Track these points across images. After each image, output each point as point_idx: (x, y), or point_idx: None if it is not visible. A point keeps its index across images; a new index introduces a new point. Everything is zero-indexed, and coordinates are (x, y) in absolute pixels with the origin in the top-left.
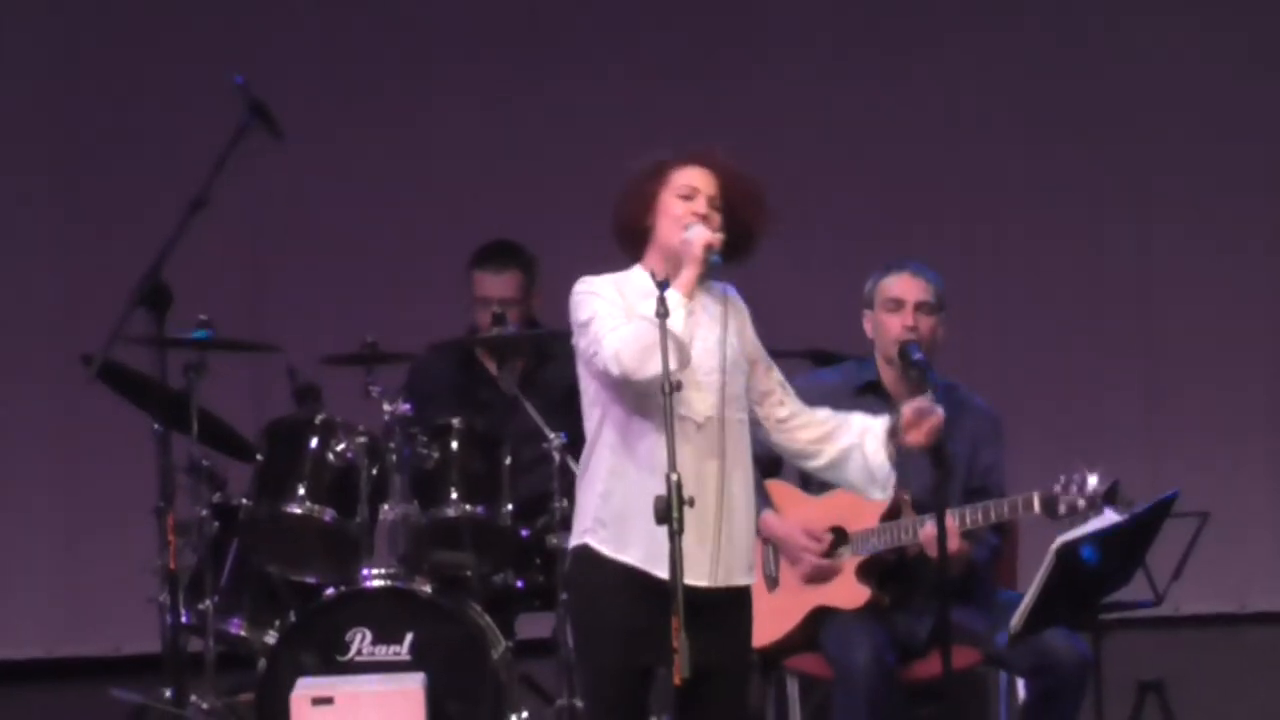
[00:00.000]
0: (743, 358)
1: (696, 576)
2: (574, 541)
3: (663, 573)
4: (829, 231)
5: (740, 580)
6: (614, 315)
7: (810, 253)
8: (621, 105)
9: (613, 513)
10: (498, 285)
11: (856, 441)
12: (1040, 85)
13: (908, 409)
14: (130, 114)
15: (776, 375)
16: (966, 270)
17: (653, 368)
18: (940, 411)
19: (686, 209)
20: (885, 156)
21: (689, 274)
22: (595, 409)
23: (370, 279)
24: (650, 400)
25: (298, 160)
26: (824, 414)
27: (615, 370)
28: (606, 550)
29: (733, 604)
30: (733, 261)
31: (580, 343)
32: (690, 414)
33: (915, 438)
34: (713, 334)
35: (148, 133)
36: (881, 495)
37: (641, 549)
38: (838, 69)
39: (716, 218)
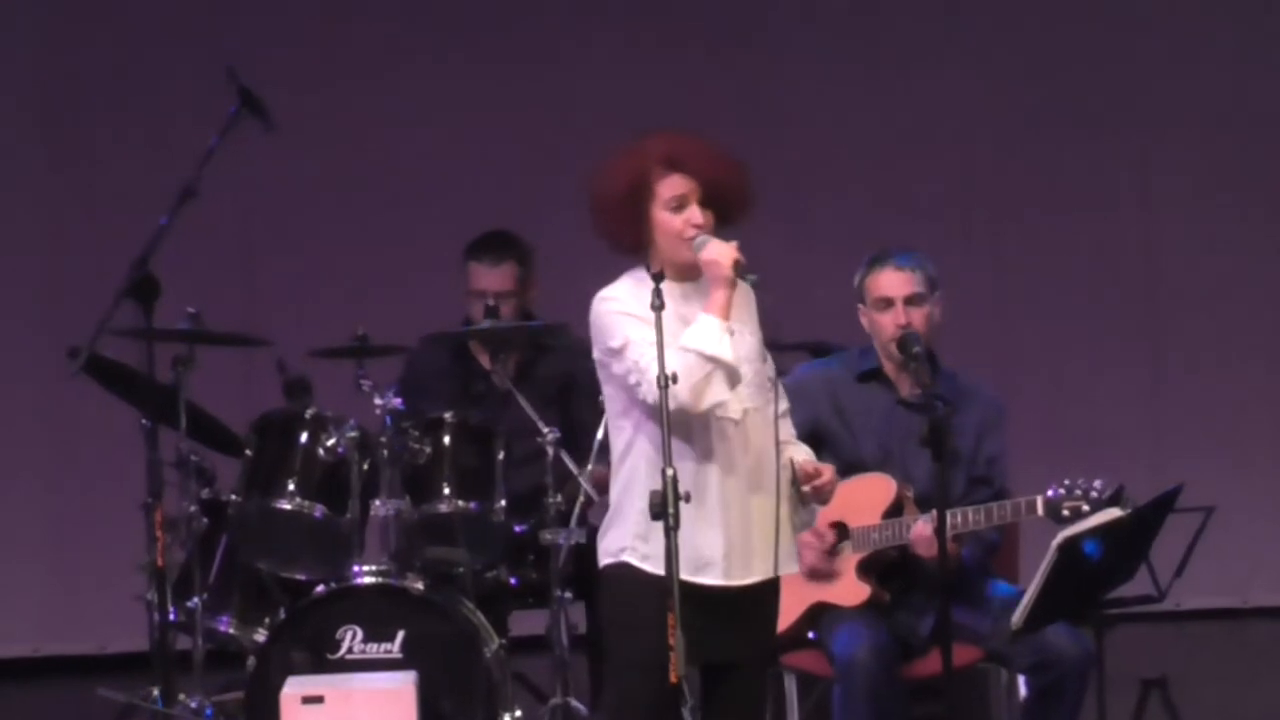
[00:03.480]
0: (763, 346)
1: (746, 574)
2: (607, 559)
3: (705, 579)
4: (829, 223)
5: (785, 569)
6: (652, 339)
7: (811, 244)
8: (619, 94)
9: (652, 527)
10: (493, 277)
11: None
12: (1043, 77)
13: (800, 469)
14: (119, 102)
15: (769, 369)
16: (970, 263)
17: (709, 400)
18: (830, 474)
19: (684, 222)
20: (887, 148)
21: (722, 296)
22: (625, 420)
23: (362, 270)
24: (686, 412)
25: (289, 150)
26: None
27: (673, 407)
28: (648, 568)
29: (771, 596)
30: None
31: (615, 367)
32: (727, 413)
33: (809, 495)
34: (741, 319)
35: (136, 121)
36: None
37: (688, 561)
38: (840, 59)
39: (710, 216)
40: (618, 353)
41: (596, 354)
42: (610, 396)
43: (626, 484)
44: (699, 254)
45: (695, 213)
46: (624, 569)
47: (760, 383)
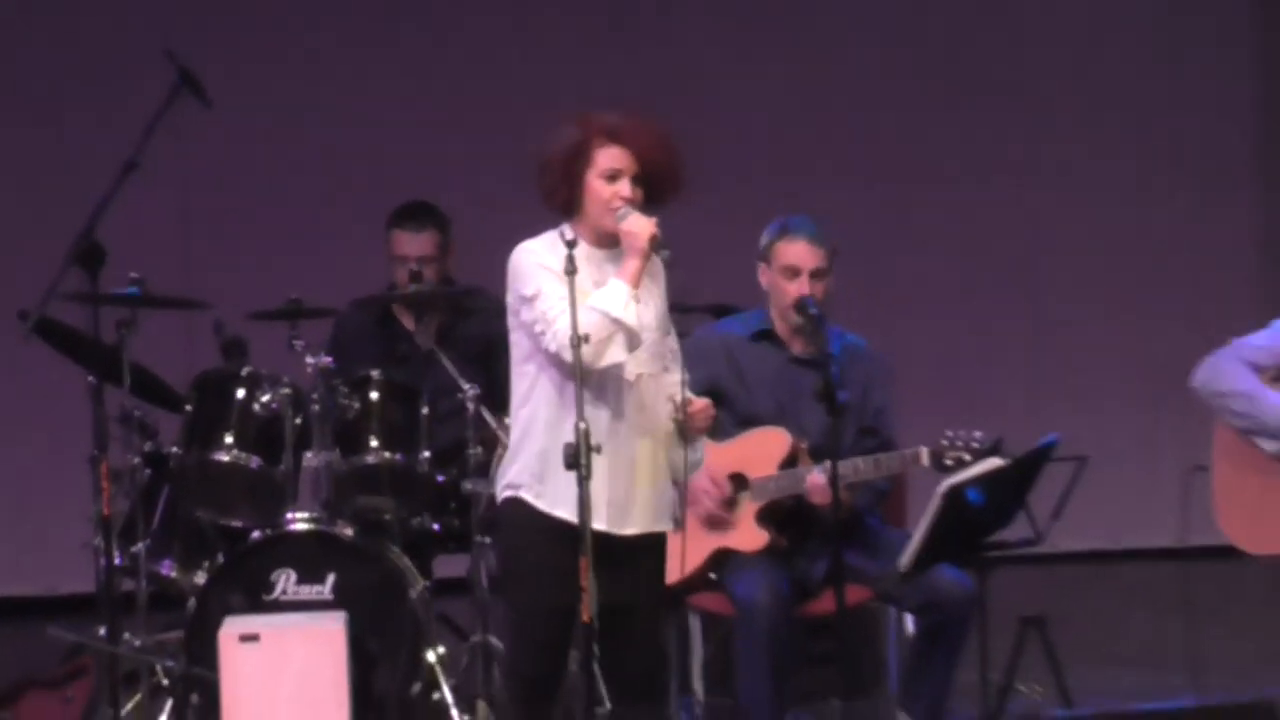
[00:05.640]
0: (666, 315)
1: (625, 525)
2: (505, 493)
3: (594, 524)
4: (734, 189)
5: (661, 526)
6: (562, 294)
7: (716, 209)
8: (538, 64)
9: (548, 468)
10: (415, 244)
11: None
12: (939, 50)
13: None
14: (64, 76)
15: (671, 342)
16: (860, 225)
17: (608, 359)
18: (705, 403)
19: (613, 193)
20: (786, 117)
21: (634, 265)
22: (529, 365)
23: (294, 239)
24: (585, 367)
25: (227, 125)
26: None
27: (569, 358)
28: (541, 505)
29: (652, 547)
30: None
31: (524, 314)
32: (623, 374)
33: (683, 422)
34: (648, 291)
35: (81, 95)
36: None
37: (573, 506)
38: (748, 29)
39: (639, 193)
40: (529, 300)
41: (510, 299)
42: (515, 342)
43: (527, 426)
44: (620, 224)
45: (625, 186)
46: (518, 505)
47: (658, 351)
